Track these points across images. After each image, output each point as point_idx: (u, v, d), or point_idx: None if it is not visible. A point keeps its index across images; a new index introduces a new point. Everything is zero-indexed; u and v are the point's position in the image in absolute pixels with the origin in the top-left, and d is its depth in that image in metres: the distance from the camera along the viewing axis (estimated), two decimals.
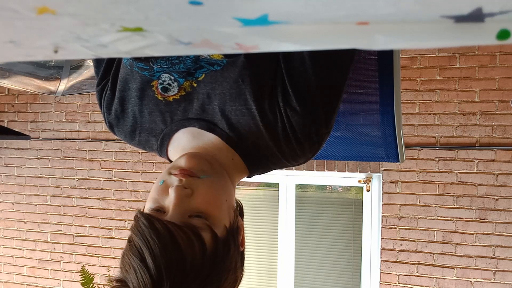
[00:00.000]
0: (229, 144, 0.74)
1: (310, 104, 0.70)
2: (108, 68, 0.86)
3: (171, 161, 0.82)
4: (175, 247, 0.56)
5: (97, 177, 3.75)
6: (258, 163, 0.76)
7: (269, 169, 0.79)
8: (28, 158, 3.92)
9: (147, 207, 0.64)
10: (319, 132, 0.72)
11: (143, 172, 3.63)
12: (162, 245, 0.55)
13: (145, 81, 0.77)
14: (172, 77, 0.76)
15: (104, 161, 3.73)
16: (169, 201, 0.62)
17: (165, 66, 0.75)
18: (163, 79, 0.76)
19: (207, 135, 0.75)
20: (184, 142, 0.77)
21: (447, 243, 2.99)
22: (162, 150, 0.81)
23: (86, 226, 3.77)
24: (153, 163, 3.59)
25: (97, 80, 0.88)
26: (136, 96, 0.80)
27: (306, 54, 0.68)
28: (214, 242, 0.60)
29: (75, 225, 3.80)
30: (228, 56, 0.71)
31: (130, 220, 3.64)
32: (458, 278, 2.97)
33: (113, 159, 3.71)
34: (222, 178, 0.69)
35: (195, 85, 0.74)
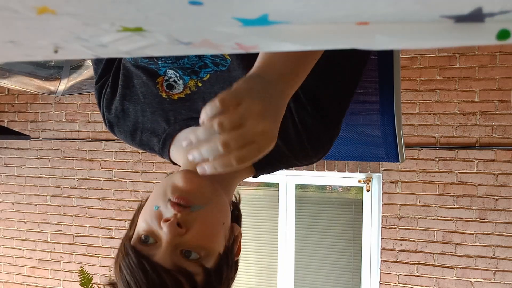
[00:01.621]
0: None
1: (322, 106, 0.70)
2: (108, 66, 0.85)
3: (173, 162, 0.81)
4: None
5: (97, 177, 3.75)
6: (266, 164, 0.76)
7: (278, 168, 0.78)
8: (28, 158, 3.92)
9: (140, 228, 0.64)
10: (330, 132, 0.72)
11: (143, 172, 3.63)
12: (151, 286, 0.57)
13: (151, 75, 0.76)
14: (178, 74, 0.75)
15: (104, 161, 3.73)
16: (162, 234, 0.60)
17: (170, 62, 0.75)
18: (169, 75, 0.75)
19: None
20: None
21: (447, 243, 2.99)
22: (164, 150, 0.80)
23: (86, 226, 3.77)
24: (153, 163, 3.59)
25: (95, 77, 0.86)
26: (140, 93, 0.78)
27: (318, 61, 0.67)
28: (207, 279, 0.61)
29: (75, 225, 3.80)
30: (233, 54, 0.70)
31: (130, 220, 3.63)
32: (458, 278, 2.97)
33: (113, 159, 3.71)
34: (219, 200, 0.66)
35: (200, 84, 0.74)
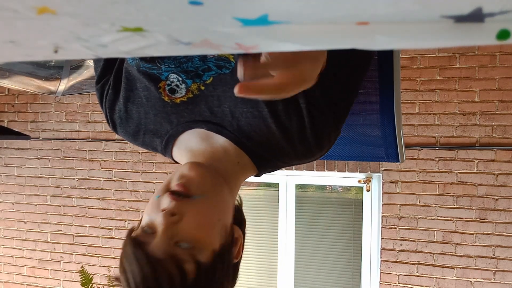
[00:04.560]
0: (237, 145, 0.74)
1: (335, 103, 0.70)
2: (108, 66, 0.85)
3: (175, 162, 0.82)
4: (154, 278, 0.58)
5: (97, 177, 3.75)
6: (268, 163, 0.76)
7: (279, 167, 0.79)
8: (28, 158, 3.92)
9: (143, 221, 0.65)
10: (337, 130, 0.73)
11: (143, 172, 3.63)
12: (143, 275, 0.59)
13: (153, 79, 0.76)
14: (180, 78, 0.75)
15: (104, 161, 3.73)
16: (158, 224, 0.62)
17: (173, 66, 0.74)
18: (171, 79, 0.75)
19: (215, 137, 0.74)
20: (191, 144, 0.76)
21: (447, 243, 2.99)
22: (166, 151, 0.81)
23: (86, 226, 3.77)
24: (153, 163, 3.59)
25: (96, 77, 0.86)
26: (143, 96, 0.78)
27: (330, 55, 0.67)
28: (197, 272, 0.61)
29: (75, 225, 3.80)
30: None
31: (130, 220, 3.65)
32: (458, 278, 2.97)
33: (113, 159, 3.71)
34: (219, 195, 0.67)
35: (202, 88, 0.74)
